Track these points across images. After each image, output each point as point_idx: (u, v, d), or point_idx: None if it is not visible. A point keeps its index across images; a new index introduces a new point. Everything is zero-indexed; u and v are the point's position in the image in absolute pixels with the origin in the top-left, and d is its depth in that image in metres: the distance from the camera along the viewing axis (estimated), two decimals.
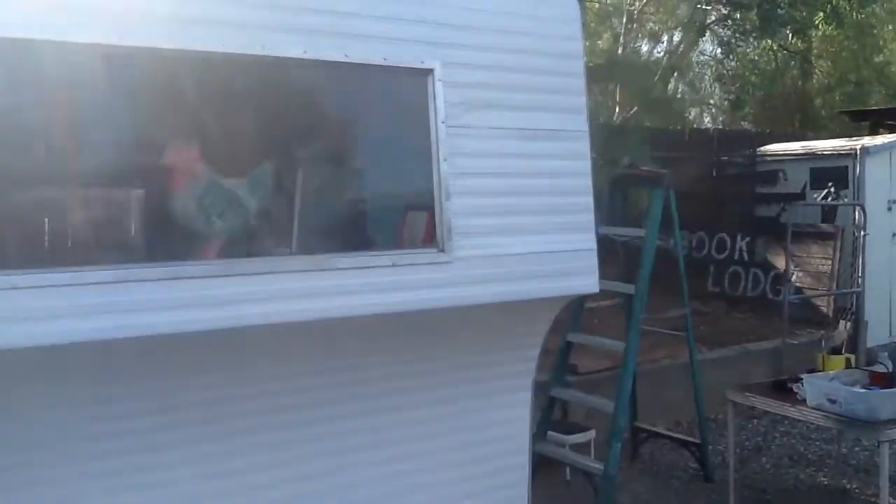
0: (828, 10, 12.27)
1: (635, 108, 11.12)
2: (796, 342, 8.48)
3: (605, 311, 7.59)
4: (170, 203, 2.97)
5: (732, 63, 14.49)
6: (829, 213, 9.96)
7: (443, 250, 3.25)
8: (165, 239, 2.97)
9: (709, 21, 13.03)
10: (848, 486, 6.25)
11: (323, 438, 3.38)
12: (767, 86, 15.07)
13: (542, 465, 5.77)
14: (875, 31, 15.95)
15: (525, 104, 3.48)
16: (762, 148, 11.17)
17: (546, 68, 3.55)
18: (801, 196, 10.23)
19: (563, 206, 3.57)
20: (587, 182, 3.67)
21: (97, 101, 2.86)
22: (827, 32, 14.20)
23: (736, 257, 10.55)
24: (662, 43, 14.46)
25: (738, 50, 13.76)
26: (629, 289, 5.81)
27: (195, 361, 3.00)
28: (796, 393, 5.27)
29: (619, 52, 12.25)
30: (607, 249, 6.39)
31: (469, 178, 3.31)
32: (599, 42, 13.21)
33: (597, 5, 13.00)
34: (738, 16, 12.46)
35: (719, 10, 12.63)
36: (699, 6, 12.41)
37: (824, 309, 9.62)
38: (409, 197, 3.47)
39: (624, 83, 10.94)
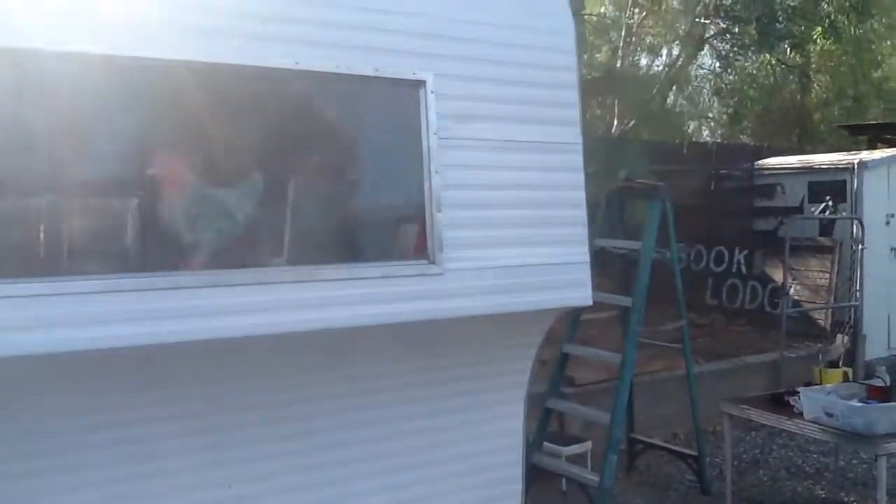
0: (826, 25, 12.31)
1: (633, 122, 11.12)
2: (794, 355, 8.49)
3: (602, 323, 7.58)
4: (159, 213, 2.97)
5: (731, 77, 14.50)
6: (827, 227, 9.97)
7: (434, 262, 3.24)
8: (154, 249, 2.97)
9: (707, 35, 13.06)
10: (846, 499, 6.23)
11: (311, 452, 3.36)
12: (766, 100, 15.11)
13: (539, 477, 5.77)
14: (873, 47, 15.97)
15: (518, 116, 3.48)
16: (760, 161, 11.19)
17: (539, 80, 3.55)
18: (799, 210, 10.25)
19: (555, 219, 3.57)
20: (580, 194, 3.66)
21: (86, 111, 2.85)
22: (825, 47, 14.22)
23: (734, 270, 10.57)
24: (661, 56, 14.49)
25: (737, 64, 13.78)
26: (626, 301, 5.82)
27: (189, 372, 2.99)
28: (793, 406, 5.26)
29: (618, 65, 12.25)
30: (604, 261, 6.42)
31: (460, 190, 3.31)
32: (598, 55, 13.22)
33: (595, 19, 13.03)
34: (737, 30, 12.48)
35: (718, 24, 12.66)
36: (698, 20, 12.44)
37: (822, 322, 9.62)
38: (401, 208, 3.46)
39: (622, 96, 10.95)
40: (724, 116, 16.36)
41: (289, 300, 2.97)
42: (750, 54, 13.45)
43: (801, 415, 5.11)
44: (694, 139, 15.13)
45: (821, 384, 5.65)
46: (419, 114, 3.27)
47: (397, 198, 3.48)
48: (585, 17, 12.18)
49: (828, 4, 12.57)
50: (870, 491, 6.13)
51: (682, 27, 12.90)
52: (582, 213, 3.65)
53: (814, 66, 16.31)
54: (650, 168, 9.13)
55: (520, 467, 3.88)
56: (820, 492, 6.40)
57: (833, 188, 9.91)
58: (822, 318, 9.65)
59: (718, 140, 16.21)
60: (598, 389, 6.85)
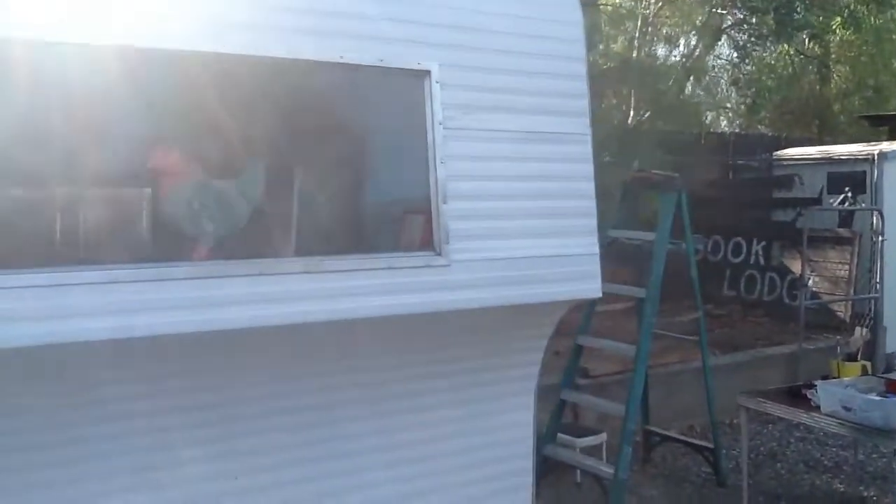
0: (845, 15, 12.18)
1: (649, 112, 11.06)
2: (812, 347, 8.40)
3: (618, 314, 7.54)
4: (162, 204, 2.96)
5: (748, 67, 14.38)
6: (846, 219, 9.86)
7: (440, 253, 3.22)
8: (157, 240, 2.97)
9: (725, 25, 12.96)
10: (865, 493, 6.16)
11: (326, 442, 3.36)
12: (784, 90, 14.94)
13: (553, 468, 5.75)
14: (894, 37, 15.75)
15: (525, 106, 3.45)
16: (778, 152, 11.09)
17: (547, 70, 3.52)
18: (817, 201, 10.15)
19: (564, 210, 3.54)
20: (590, 185, 3.62)
21: (88, 102, 2.85)
22: (844, 37, 14.06)
23: (752, 261, 10.50)
24: (678, 47, 14.37)
25: (755, 54, 13.66)
26: (640, 292, 5.79)
27: (197, 363, 2.99)
28: (810, 399, 5.20)
29: (634, 55, 12.16)
30: (619, 253, 6.38)
31: (466, 181, 3.28)
32: (614, 45, 13.13)
33: (610, 8, 12.95)
34: (754, 20, 12.38)
35: (735, 14, 12.55)
36: (715, 10, 12.34)
37: (841, 314, 9.52)
38: (407, 199, 3.44)
39: (638, 86, 10.88)
40: (742, 107, 16.23)
41: (295, 291, 2.95)
42: (768, 45, 13.33)
43: (818, 408, 5.04)
44: (711, 130, 15.01)
45: (839, 377, 5.57)
46: (424, 104, 3.23)
47: (403, 189, 3.46)
48: (601, 6, 12.10)
49: None
50: (889, 485, 6.07)
51: (700, 17, 12.79)
52: (591, 204, 3.61)
53: (833, 56, 16.13)
54: (667, 158, 9.08)
55: (530, 459, 3.86)
56: (839, 486, 6.33)
57: (852, 179, 9.79)
58: (842, 311, 9.56)
59: (736, 130, 16.09)
60: (613, 381, 6.82)
